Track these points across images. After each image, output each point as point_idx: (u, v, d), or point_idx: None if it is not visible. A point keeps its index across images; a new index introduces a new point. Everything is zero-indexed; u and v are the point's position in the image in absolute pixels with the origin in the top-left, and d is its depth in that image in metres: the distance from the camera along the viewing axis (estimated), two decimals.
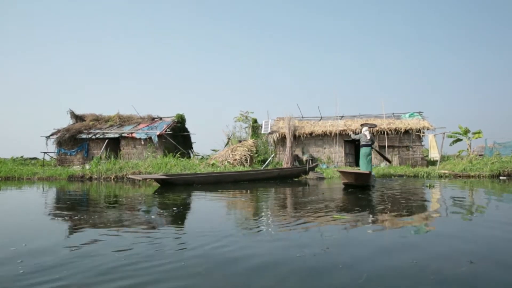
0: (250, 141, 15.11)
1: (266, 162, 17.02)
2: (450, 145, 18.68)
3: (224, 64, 62.47)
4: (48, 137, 19.68)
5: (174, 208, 4.96)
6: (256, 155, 18.65)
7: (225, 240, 2.66)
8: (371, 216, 3.83)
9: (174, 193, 7.01)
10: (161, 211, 4.66)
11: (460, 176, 11.72)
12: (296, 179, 11.43)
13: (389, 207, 4.63)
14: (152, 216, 4.15)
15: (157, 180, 8.97)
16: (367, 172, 7.58)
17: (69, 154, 19.61)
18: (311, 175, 11.72)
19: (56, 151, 19.76)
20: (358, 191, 7.13)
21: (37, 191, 8.42)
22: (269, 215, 4.17)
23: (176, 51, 62.62)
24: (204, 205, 5.44)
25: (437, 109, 50.93)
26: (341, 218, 3.68)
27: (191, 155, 20.22)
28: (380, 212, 4.17)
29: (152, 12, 60.84)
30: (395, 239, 2.73)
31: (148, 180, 10.26)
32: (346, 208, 4.65)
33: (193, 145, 23.67)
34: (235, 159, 13.93)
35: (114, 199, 6.27)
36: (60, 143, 19.40)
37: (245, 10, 62.52)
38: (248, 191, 7.63)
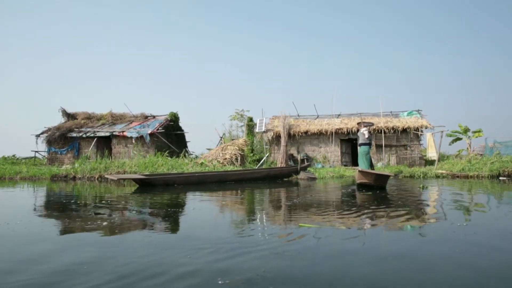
0: (241, 140, 14.64)
1: (261, 161, 16.56)
2: (450, 144, 18.17)
3: (223, 63, 61.99)
4: (38, 136, 19.31)
5: (134, 212, 4.51)
6: (251, 154, 18.21)
7: (149, 263, 2.18)
8: (341, 226, 3.32)
9: (144, 195, 6.56)
10: (114, 216, 4.19)
11: (458, 177, 11.19)
12: (286, 179, 10.95)
13: (368, 214, 4.16)
14: (104, 223, 3.68)
15: (135, 180, 8.51)
16: (389, 173, 7.25)
17: (59, 153, 19.22)
18: (302, 175, 11.23)
19: (46, 150, 19.39)
20: (344, 195, 6.67)
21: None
22: (232, 223, 3.70)
23: (175, 50, 62.18)
24: (166, 210, 4.96)
25: (437, 107, 50.13)
26: (308, 226, 3.20)
27: (186, 154, 19.77)
28: (354, 221, 3.69)
29: (150, 9, 60.41)
30: (356, 262, 2.23)
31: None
32: (325, 212, 4.17)
33: (188, 144, 23.30)
34: (225, 158, 13.47)
35: (74, 201, 5.81)
36: (50, 142, 19.01)
37: (242, 8, 61.92)
38: (229, 192, 7.16)
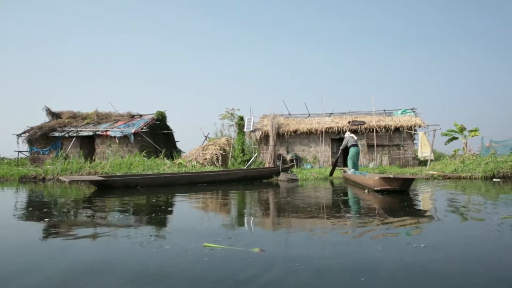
0: (223, 139, 13.97)
1: (249, 162, 15.86)
2: (446, 143, 17.36)
3: (219, 63, 61.21)
4: (19, 135, 18.71)
5: (47, 219, 3.85)
6: (241, 154, 17.52)
7: None
8: (255, 249, 2.54)
9: (96, 199, 5.90)
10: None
11: (449, 178, 10.44)
12: (266, 181, 10.26)
13: (310, 226, 3.47)
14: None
15: (92, 182, 7.85)
16: (413, 176, 7.28)
17: (41, 153, 18.61)
18: (282, 176, 10.53)
19: (28, 150, 18.81)
20: (309, 200, 6.00)
21: None
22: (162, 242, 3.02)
23: (172, 50, 61.55)
24: (91, 219, 4.28)
25: (434, 106, 48.96)
26: (213, 247, 2.50)
27: (175, 153, 19.11)
28: (282, 238, 2.99)
29: (141, 8, 59.75)
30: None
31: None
32: (262, 224, 3.48)
33: (180, 144, 22.73)
34: (205, 159, 12.80)
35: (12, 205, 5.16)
36: (31, 142, 18.41)
37: (237, 7, 61.05)
38: (187, 196, 6.47)
